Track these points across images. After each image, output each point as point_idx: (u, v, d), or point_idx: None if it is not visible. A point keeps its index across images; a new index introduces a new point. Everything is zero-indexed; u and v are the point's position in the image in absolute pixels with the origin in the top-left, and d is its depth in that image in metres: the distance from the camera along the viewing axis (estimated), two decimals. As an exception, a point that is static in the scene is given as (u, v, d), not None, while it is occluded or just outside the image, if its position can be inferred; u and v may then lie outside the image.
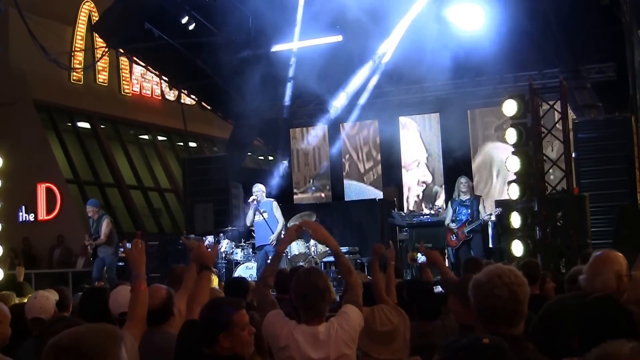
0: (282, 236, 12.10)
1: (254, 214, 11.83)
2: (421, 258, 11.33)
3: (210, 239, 12.45)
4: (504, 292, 2.74)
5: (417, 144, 15.51)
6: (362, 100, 15.16)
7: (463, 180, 11.81)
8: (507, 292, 2.74)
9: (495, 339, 2.32)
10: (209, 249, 4.31)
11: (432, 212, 13.97)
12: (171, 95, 21.74)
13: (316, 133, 16.28)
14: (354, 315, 3.92)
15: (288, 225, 12.60)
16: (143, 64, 16.74)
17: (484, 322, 2.77)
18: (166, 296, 4.18)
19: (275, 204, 12.01)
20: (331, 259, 12.40)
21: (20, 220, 16.79)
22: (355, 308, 3.96)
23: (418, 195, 15.31)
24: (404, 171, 15.56)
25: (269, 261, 4.68)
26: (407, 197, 15.49)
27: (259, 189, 11.97)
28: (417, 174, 15.49)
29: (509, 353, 2.25)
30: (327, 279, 3.92)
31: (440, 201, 14.88)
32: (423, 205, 15.04)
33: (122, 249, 11.16)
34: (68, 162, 19.14)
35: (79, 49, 19.31)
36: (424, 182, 15.34)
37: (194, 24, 13.68)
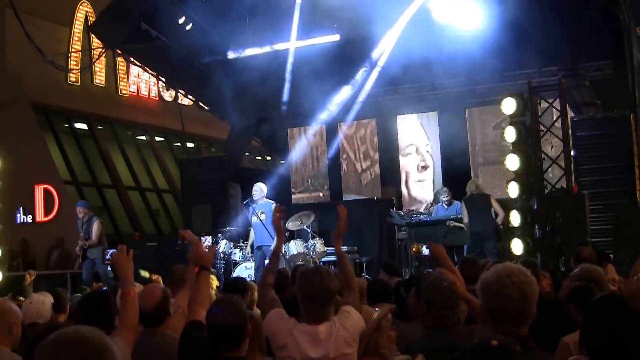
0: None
1: (251, 215, 11.78)
2: (426, 251, 11.41)
3: (209, 239, 12.40)
4: (513, 292, 2.69)
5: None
6: (360, 99, 15.11)
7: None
8: (517, 291, 2.69)
9: (505, 340, 2.27)
10: (207, 249, 4.29)
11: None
12: (168, 95, 21.70)
13: (314, 133, 16.24)
14: (356, 315, 3.89)
15: (287, 226, 12.57)
16: (140, 65, 16.69)
17: (492, 322, 2.73)
18: (162, 296, 4.15)
19: (274, 206, 11.94)
20: (329, 258, 12.38)
21: (18, 221, 16.74)
22: (355, 310, 3.93)
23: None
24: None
25: (267, 261, 4.68)
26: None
27: (258, 188, 11.90)
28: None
29: (517, 355, 2.20)
30: (336, 281, 3.86)
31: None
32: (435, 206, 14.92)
33: (109, 257, 11.15)
34: (65, 164, 19.12)
35: (75, 50, 19.28)
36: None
37: (190, 24, 13.64)
